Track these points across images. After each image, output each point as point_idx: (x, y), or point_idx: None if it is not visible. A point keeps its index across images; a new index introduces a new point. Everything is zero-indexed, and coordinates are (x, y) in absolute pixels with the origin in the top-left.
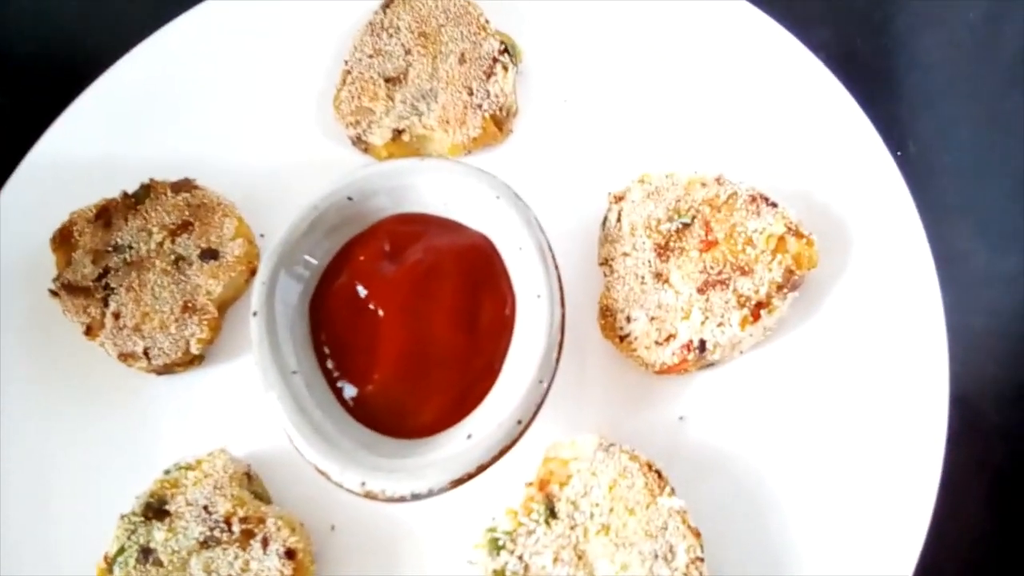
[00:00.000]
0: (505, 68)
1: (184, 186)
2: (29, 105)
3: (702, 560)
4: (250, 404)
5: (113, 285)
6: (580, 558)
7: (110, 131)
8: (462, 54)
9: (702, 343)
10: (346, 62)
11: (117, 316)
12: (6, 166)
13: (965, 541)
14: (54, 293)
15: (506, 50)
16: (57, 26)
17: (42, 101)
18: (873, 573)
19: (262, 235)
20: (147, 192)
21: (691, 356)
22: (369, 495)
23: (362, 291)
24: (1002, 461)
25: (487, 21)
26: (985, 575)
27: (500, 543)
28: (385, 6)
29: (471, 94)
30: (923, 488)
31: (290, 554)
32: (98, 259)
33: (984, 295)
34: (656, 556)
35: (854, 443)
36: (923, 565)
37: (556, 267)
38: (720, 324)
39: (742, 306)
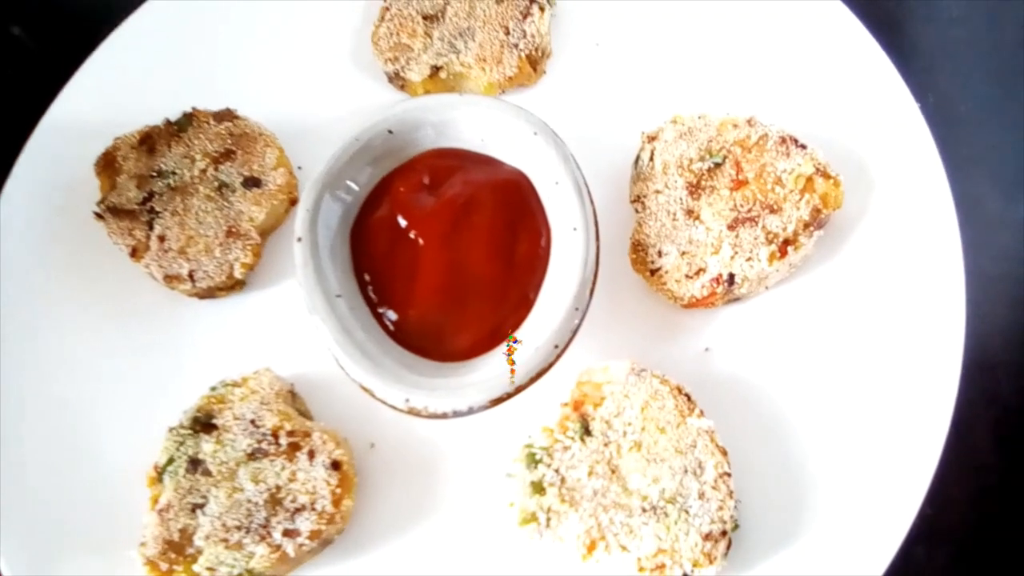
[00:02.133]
0: (541, 8)
1: (226, 115)
2: (74, 33)
3: (729, 475)
4: (291, 328)
5: (158, 209)
6: (614, 472)
7: (151, 62)
8: None
9: (731, 277)
10: None
11: (162, 239)
12: (51, 91)
13: (972, 470)
14: (99, 216)
15: None
16: None
17: (87, 29)
18: (886, 496)
19: (299, 168)
20: (189, 120)
21: (720, 289)
22: (412, 411)
23: (402, 222)
24: (1009, 396)
25: None
26: (990, 502)
27: (537, 457)
28: None
29: (507, 33)
30: (935, 419)
31: (336, 465)
32: (142, 183)
33: (996, 240)
34: (686, 471)
35: (871, 376)
36: (932, 490)
37: (592, 201)
38: (749, 259)
39: (770, 242)
